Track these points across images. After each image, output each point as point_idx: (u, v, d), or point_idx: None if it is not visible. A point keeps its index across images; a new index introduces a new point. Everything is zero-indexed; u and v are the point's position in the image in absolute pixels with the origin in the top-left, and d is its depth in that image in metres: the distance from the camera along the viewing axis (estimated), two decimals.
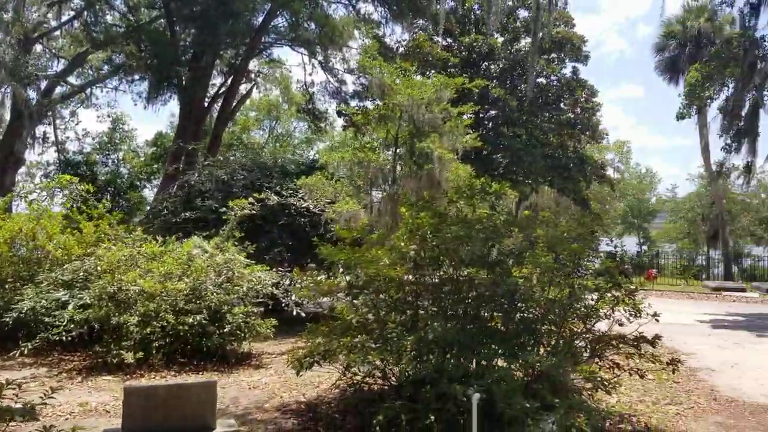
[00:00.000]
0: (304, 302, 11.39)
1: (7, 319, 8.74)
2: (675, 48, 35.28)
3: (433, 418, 5.42)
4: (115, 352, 8.39)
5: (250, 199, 11.77)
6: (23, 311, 8.69)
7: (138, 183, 28.40)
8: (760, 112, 20.15)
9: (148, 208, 19.42)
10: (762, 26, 39.93)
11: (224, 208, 11.76)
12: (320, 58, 22.31)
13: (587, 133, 29.30)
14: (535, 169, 26.80)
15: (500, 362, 6.16)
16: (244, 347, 9.88)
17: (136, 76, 24.18)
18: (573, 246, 6.46)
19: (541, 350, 6.49)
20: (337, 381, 6.84)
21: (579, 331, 6.63)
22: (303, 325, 6.95)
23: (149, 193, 28.07)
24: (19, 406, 3.83)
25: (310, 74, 24.23)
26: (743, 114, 20.38)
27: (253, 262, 10.34)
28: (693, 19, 34.02)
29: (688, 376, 9.02)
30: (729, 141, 20.94)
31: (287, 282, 10.47)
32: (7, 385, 3.66)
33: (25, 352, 8.38)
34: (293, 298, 10.25)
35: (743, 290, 23.82)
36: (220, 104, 23.82)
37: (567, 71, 29.02)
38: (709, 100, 22.87)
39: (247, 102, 29.62)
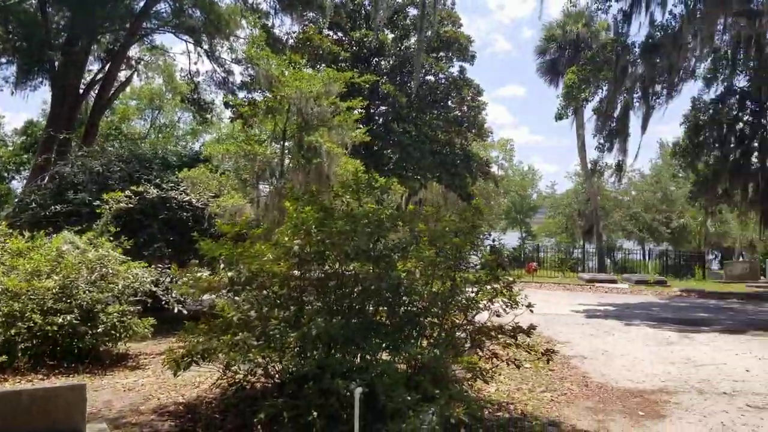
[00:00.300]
0: (187, 300, 11.00)
1: None
2: (555, 51, 37.13)
3: (315, 414, 5.36)
4: None
5: (127, 192, 11.17)
6: None
7: (5, 174, 26.36)
8: (631, 114, 21.58)
9: (16, 200, 18.04)
10: (634, 33, 42.73)
11: (99, 202, 11.10)
12: (206, 46, 21.55)
13: (473, 130, 30.25)
14: (423, 164, 27.37)
15: (385, 356, 6.21)
16: (119, 348, 9.40)
17: (3, 60, 22.32)
18: (454, 240, 6.58)
19: (424, 342, 6.58)
20: (217, 380, 6.61)
21: (460, 322, 6.79)
22: (184, 324, 6.67)
23: (18, 185, 26.11)
24: None
25: (196, 63, 23.47)
26: (615, 115, 21.74)
27: (130, 258, 9.82)
28: (572, 24, 35.91)
29: (562, 363, 9.47)
30: (602, 141, 22.29)
31: (168, 279, 10.04)
32: None
33: None
34: (174, 295, 9.84)
35: (614, 281, 25.43)
36: (96, 91, 22.47)
37: (454, 70, 29.83)
38: (584, 102, 24.20)
39: (128, 90, 28.21)
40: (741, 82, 21.73)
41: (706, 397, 7.69)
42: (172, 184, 12.28)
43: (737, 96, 21.59)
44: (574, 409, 7.09)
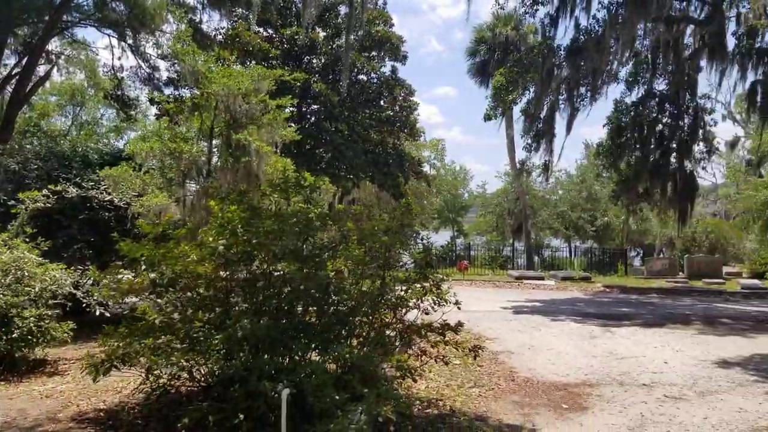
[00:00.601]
0: (109, 303, 10.59)
1: None
2: (485, 53, 37.76)
3: (242, 416, 5.27)
4: None
5: (45, 192, 10.67)
6: None
7: None
8: (556, 115, 22.18)
9: None
10: (560, 36, 43.86)
11: (14, 202, 10.56)
12: (130, 41, 20.80)
13: (406, 130, 30.44)
14: (356, 164, 27.35)
15: (314, 356, 6.16)
16: (36, 353, 8.98)
17: None
18: (383, 238, 6.59)
19: (354, 342, 6.58)
20: (140, 385, 6.40)
21: (390, 321, 6.81)
22: (105, 327, 6.42)
23: None
24: None
25: (120, 58, 22.38)
26: (542, 116, 22.32)
27: (48, 260, 9.38)
28: (501, 26, 36.60)
29: (491, 359, 9.65)
30: (530, 141, 22.84)
31: (89, 281, 9.64)
32: None
33: None
34: (95, 298, 9.46)
35: (542, 278, 26.10)
36: (13, 86, 21.37)
37: (387, 70, 29.94)
38: (512, 103, 24.71)
39: (48, 85, 26.95)
40: (660, 85, 22.67)
41: (627, 389, 7.98)
42: (93, 183, 11.80)
43: (657, 99, 22.49)
44: (502, 403, 7.23)
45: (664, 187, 22.68)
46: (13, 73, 21.70)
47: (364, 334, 6.65)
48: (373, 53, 29.54)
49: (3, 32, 19.18)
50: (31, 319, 8.35)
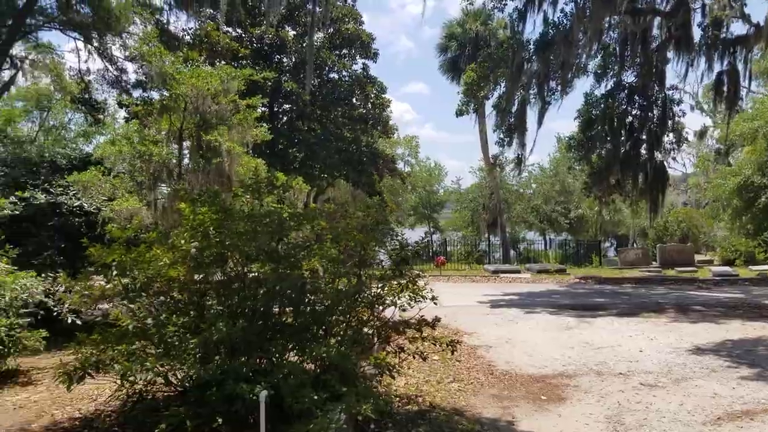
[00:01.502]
0: (82, 310, 10.41)
1: None
2: (456, 49, 37.89)
3: (220, 420, 5.21)
4: None
5: (12, 198, 10.46)
6: None
7: None
8: (528, 109, 22.32)
9: None
10: (529, 31, 44.29)
11: None
12: (96, 44, 20.47)
13: (379, 128, 30.45)
14: (330, 163, 27.31)
15: (292, 356, 6.12)
16: (8, 364, 8.76)
17: None
18: (358, 236, 6.57)
19: (332, 341, 6.53)
20: (115, 392, 6.29)
21: (367, 318, 6.79)
22: (77, 335, 6.30)
23: None
24: None
25: (86, 61, 22.05)
26: (513, 111, 22.44)
27: (17, 268, 9.20)
28: (471, 22, 36.75)
29: (469, 353, 9.68)
30: (502, 136, 23.00)
31: (61, 289, 9.46)
32: None
33: None
34: (67, 306, 9.29)
35: (518, 272, 26.29)
36: None
37: (358, 68, 29.90)
38: (484, 98, 24.86)
39: (13, 91, 26.45)
40: (629, 77, 22.92)
41: (604, 378, 8.06)
42: (62, 189, 11.60)
43: (626, 91, 22.74)
44: (481, 397, 7.26)
45: (636, 178, 22.95)
46: None
47: (341, 332, 6.62)
48: (344, 51, 29.49)
49: None
50: (2, 328, 8.16)
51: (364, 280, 6.78)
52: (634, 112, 22.85)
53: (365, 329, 6.77)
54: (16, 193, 10.76)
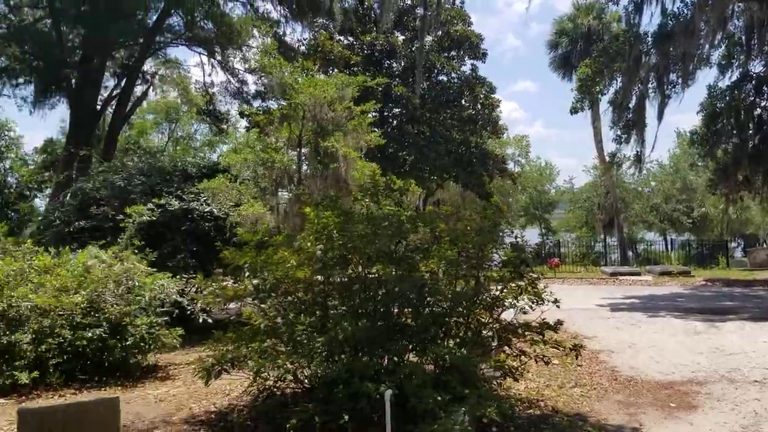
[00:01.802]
0: (212, 309, 11.07)
1: None
2: (567, 45, 36.92)
3: (347, 417, 5.39)
4: (8, 373, 7.80)
5: (150, 205, 11.29)
6: None
7: (28, 193, 26.71)
8: (646, 104, 21.38)
9: (40, 218, 18.28)
10: (645, 23, 42.42)
11: (122, 216, 11.23)
12: (219, 58, 21.78)
13: (488, 128, 30.19)
14: (439, 164, 27.37)
15: (411, 357, 6.23)
16: (149, 359, 9.47)
17: (21, 80, 22.68)
18: (476, 238, 6.59)
19: (451, 342, 6.60)
20: (248, 387, 6.67)
21: (486, 321, 6.79)
22: (212, 333, 6.73)
23: (40, 203, 26.42)
24: None
25: (210, 75, 23.69)
26: (631, 106, 21.57)
27: (155, 270, 9.92)
28: (582, 16, 35.70)
29: (590, 358, 9.42)
30: (619, 132, 22.13)
31: (193, 289, 10.12)
32: None
33: None
34: (199, 305, 9.92)
35: (638, 274, 25.18)
36: (114, 107, 22.80)
37: (466, 69, 29.79)
38: (599, 94, 24.04)
39: (144, 104, 28.55)
40: (756, 67, 21.45)
41: (737, 386, 7.62)
42: (193, 196, 12.39)
43: (753, 81, 21.31)
44: (605, 403, 7.06)
45: (766, 174, 21.43)
46: (113, 94, 23.08)
47: (460, 334, 6.66)
48: (453, 53, 29.50)
49: (103, 56, 20.48)
50: (143, 326, 8.82)
51: (482, 282, 6.79)
52: (763, 104, 21.35)
53: (484, 332, 6.78)
54: (153, 200, 11.61)
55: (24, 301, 8.30)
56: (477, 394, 5.57)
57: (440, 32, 28.32)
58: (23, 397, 7.65)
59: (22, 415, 5.08)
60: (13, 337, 7.97)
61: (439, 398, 5.28)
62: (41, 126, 68.11)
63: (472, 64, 29.82)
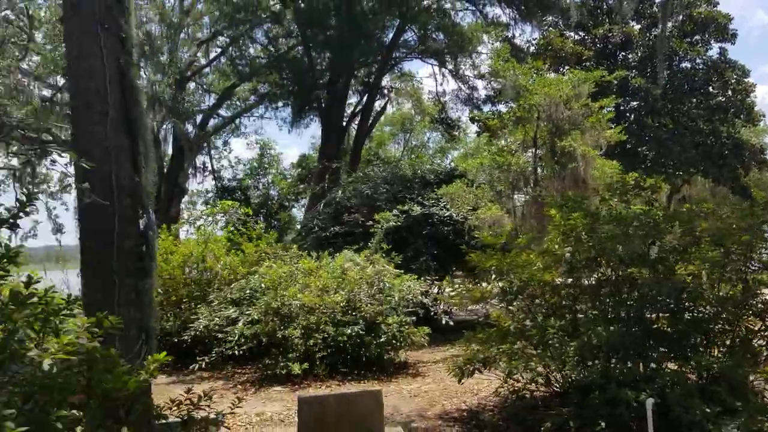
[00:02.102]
0: (452, 310, 11.45)
1: (186, 337, 9.51)
2: None
3: (603, 424, 5.26)
4: (282, 364, 8.82)
5: (394, 212, 12.04)
6: (199, 329, 9.42)
7: (286, 203, 29.74)
8: None
9: (299, 226, 20.31)
10: None
11: (370, 222, 12.10)
12: (450, 66, 22.47)
13: (741, 116, 27.19)
14: (685, 159, 25.26)
15: (670, 365, 5.89)
16: (400, 356, 10.04)
17: (280, 103, 25.62)
18: (743, 238, 6.01)
19: (715, 351, 6.11)
20: (498, 388, 6.80)
21: (757, 329, 6.17)
22: (453, 333, 6.99)
23: (297, 212, 29.28)
24: (212, 416, 4.19)
25: (441, 84, 24.39)
26: None
27: (401, 272, 10.53)
28: None
29: None
30: None
31: (435, 290, 10.58)
32: (204, 396, 4.01)
33: (203, 366, 8.98)
34: (442, 306, 10.34)
35: None
36: (357, 122, 24.68)
37: (713, 53, 27.14)
38: None
39: (381, 118, 30.33)
40: None
41: None
42: (432, 201, 12.94)
43: None
44: None
45: None
46: (356, 111, 24.97)
47: (726, 342, 6.13)
48: (696, 37, 27.04)
49: (347, 76, 22.25)
50: (394, 325, 9.42)
51: (752, 286, 6.18)
52: None
53: (755, 340, 6.16)
54: (397, 206, 12.37)
55: (294, 300, 9.32)
56: (750, 407, 5.10)
57: (681, 16, 26.14)
58: (296, 386, 8.61)
59: (302, 402, 5.73)
60: (286, 331, 9.01)
61: (708, 410, 4.93)
62: (296, 143, 76.10)
63: (720, 47, 27.07)
